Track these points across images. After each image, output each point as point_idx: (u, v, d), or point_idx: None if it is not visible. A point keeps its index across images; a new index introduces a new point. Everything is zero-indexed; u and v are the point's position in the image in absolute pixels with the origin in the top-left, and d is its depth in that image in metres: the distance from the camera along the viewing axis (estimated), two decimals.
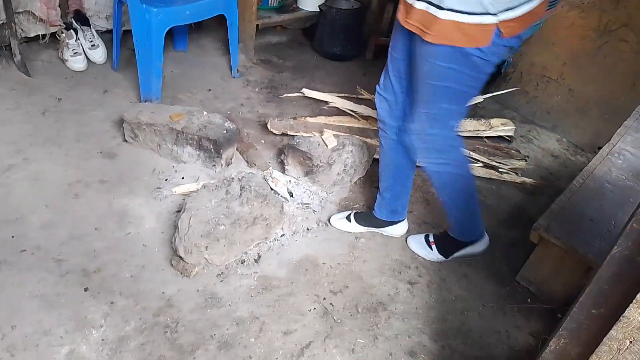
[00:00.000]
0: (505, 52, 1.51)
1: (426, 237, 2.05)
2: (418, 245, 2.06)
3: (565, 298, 1.87)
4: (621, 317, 0.76)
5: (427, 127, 1.64)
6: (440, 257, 2.02)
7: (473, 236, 2.00)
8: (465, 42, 1.40)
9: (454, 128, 1.68)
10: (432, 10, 1.39)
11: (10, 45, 2.64)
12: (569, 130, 2.91)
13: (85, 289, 1.73)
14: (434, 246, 2.02)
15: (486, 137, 2.78)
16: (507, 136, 2.80)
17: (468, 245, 2.00)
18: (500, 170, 2.56)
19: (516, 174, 2.57)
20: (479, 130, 2.76)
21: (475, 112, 2.95)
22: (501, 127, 2.79)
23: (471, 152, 2.60)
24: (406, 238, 2.09)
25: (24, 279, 1.73)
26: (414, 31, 1.48)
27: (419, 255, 2.04)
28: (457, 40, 1.40)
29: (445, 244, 2.01)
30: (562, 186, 2.22)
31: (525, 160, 2.65)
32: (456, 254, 2.01)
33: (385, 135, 1.86)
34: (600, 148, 2.25)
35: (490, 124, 2.79)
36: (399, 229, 2.09)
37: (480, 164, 2.57)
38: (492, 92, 2.96)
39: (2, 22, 2.63)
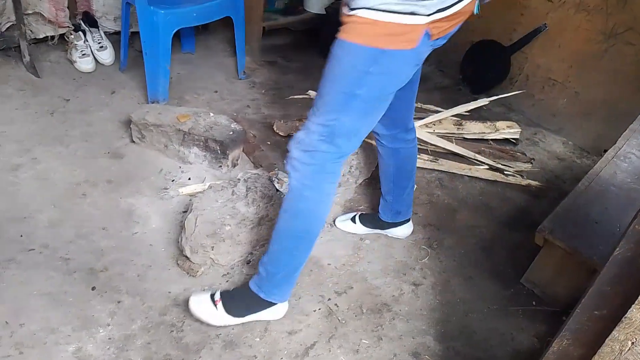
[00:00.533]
0: (427, 55, 1.38)
1: (212, 295, 1.67)
2: (199, 305, 1.66)
3: (570, 301, 1.86)
4: (623, 318, 0.76)
5: (314, 139, 1.40)
6: (226, 320, 1.65)
7: (278, 299, 1.67)
8: (389, 43, 1.25)
9: (348, 151, 1.46)
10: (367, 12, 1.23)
11: (19, 46, 2.67)
12: (574, 133, 2.91)
13: (92, 288, 1.75)
14: (219, 304, 1.64)
15: (492, 139, 2.78)
16: (512, 139, 2.80)
17: (267, 307, 1.66)
18: (505, 172, 2.56)
19: (521, 176, 2.57)
20: (484, 132, 2.76)
21: (480, 115, 2.96)
22: (507, 129, 2.79)
23: (476, 155, 2.61)
24: (188, 299, 1.68)
25: (31, 277, 1.75)
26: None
27: (200, 319, 1.65)
28: (380, 41, 1.24)
29: (237, 300, 1.66)
30: (568, 189, 2.22)
31: (531, 163, 2.66)
32: (249, 317, 1.67)
33: (382, 144, 1.86)
34: (606, 151, 2.25)
35: (495, 127, 2.79)
36: (404, 230, 2.09)
37: (486, 167, 2.58)
38: (497, 95, 2.96)
39: (11, 23, 2.66)
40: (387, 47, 1.25)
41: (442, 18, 1.26)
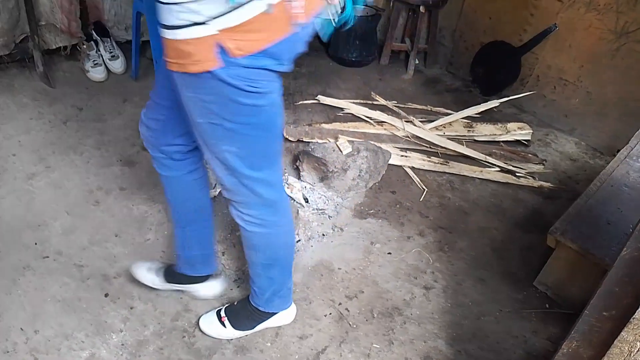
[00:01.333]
0: (268, 76, 1.16)
1: (218, 313, 1.69)
2: (209, 325, 1.68)
3: (583, 303, 1.84)
4: (632, 319, 0.76)
5: (221, 175, 1.32)
6: (236, 334, 1.67)
7: (279, 308, 1.68)
8: (192, 65, 1.09)
9: (260, 179, 1.33)
10: (163, 32, 1.12)
11: (33, 56, 2.72)
12: (587, 133, 2.88)
13: (106, 294, 1.77)
14: (226, 321, 1.66)
15: (503, 141, 2.76)
16: (524, 140, 2.78)
17: (272, 316, 1.68)
18: (517, 174, 2.54)
19: (533, 178, 2.55)
20: (495, 134, 2.75)
21: (491, 117, 2.94)
22: (518, 131, 2.77)
23: (487, 157, 2.59)
24: (198, 320, 1.71)
25: (46, 283, 1.78)
26: None
27: (212, 337, 1.67)
28: (186, 64, 1.10)
29: (241, 315, 1.67)
30: (581, 190, 2.20)
31: (543, 164, 2.63)
32: (258, 327, 1.68)
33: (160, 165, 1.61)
34: (619, 151, 2.23)
35: (506, 128, 2.77)
36: (204, 289, 1.77)
37: (497, 169, 2.56)
38: (508, 96, 2.95)
39: (25, 34, 2.71)
40: (193, 69, 1.10)
41: (236, 27, 1.04)
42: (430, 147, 2.63)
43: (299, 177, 2.34)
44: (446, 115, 2.83)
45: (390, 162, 2.42)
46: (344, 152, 2.26)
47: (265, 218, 1.41)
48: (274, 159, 1.36)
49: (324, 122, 2.67)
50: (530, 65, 3.00)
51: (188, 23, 1.04)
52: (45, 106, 2.62)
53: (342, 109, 2.86)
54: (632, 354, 0.77)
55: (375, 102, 2.95)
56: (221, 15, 1.02)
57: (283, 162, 2.45)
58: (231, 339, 1.67)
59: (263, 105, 1.20)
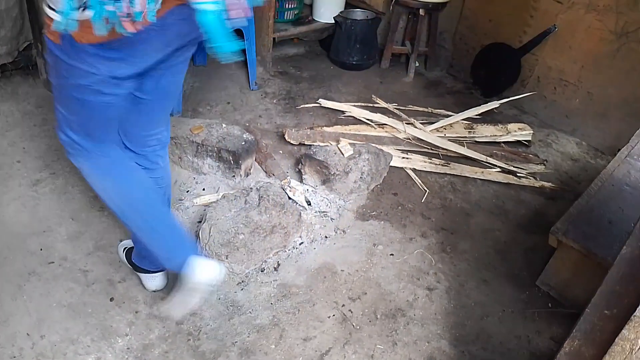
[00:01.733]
0: (104, 63, 1.25)
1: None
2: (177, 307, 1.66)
3: (586, 302, 1.84)
4: (632, 317, 0.76)
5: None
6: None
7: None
8: (48, 34, 1.25)
9: (75, 141, 1.45)
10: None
11: (36, 64, 2.74)
12: (588, 133, 2.89)
13: (111, 299, 1.78)
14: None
15: (503, 142, 2.77)
16: (524, 141, 2.79)
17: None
18: (518, 175, 2.55)
19: (535, 178, 2.55)
20: (496, 135, 2.76)
21: (493, 118, 2.95)
22: (518, 131, 2.78)
23: (488, 158, 2.60)
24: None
25: (52, 289, 1.79)
26: None
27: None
28: (47, 32, 1.25)
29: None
30: (582, 190, 2.20)
31: (544, 165, 2.64)
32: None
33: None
34: (620, 150, 2.24)
35: (507, 129, 2.78)
36: (151, 281, 1.83)
37: (498, 169, 2.57)
38: (509, 97, 2.96)
39: (29, 42, 2.73)
40: (49, 37, 1.26)
41: (86, 22, 1.13)
42: (431, 149, 2.64)
43: (301, 180, 2.35)
44: (447, 117, 2.84)
45: (392, 164, 2.43)
46: (346, 155, 2.27)
47: (87, 164, 1.50)
48: (92, 132, 1.45)
49: (326, 126, 2.68)
50: (530, 67, 3.02)
51: (52, 8, 1.17)
52: (49, 113, 2.64)
53: (343, 112, 2.87)
54: (633, 352, 0.78)
55: (376, 105, 2.97)
56: (76, 10, 1.15)
57: (286, 165, 2.46)
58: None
59: (88, 85, 1.31)
